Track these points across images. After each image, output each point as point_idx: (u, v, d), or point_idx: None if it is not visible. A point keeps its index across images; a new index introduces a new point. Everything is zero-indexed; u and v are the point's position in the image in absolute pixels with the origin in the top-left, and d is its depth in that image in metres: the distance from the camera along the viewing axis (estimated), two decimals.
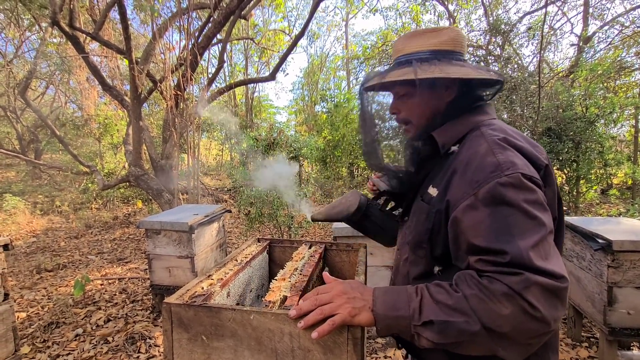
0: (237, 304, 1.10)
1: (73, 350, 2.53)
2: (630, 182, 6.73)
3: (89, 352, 2.49)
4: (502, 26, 6.53)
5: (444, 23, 9.05)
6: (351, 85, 14.07)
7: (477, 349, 0.66)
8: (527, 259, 0.62)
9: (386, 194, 1.14)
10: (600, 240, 2.05)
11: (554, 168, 5.11)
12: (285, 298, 0.88)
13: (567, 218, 2.49)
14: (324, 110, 10.15)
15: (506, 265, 0.63)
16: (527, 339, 0.63)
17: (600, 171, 5.64)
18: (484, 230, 0.67)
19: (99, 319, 2.98)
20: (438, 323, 0.65)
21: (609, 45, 7.62)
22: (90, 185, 8.52)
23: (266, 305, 0.85)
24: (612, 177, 7.04)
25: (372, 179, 1.17)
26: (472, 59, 7.67)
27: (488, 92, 0.89)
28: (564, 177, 5.25)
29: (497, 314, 0.62)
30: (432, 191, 0.82)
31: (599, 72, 5.63)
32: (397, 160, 1.04)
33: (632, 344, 2.35)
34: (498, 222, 0.66)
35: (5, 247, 2.07)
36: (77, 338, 2.70)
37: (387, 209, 1.18)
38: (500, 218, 0.66)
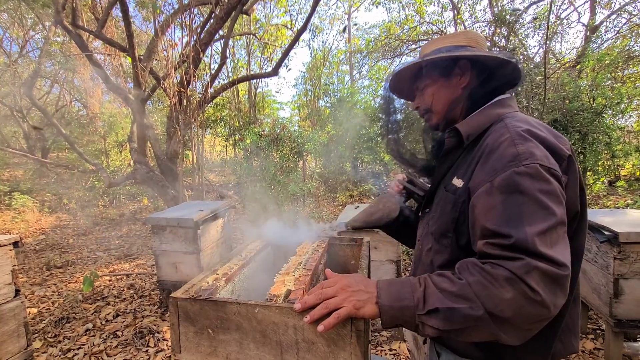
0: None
1: (84, 345, 2.58)
2: (638, 173, 6.64)
3: (99, 347, 2.54)
4: (507, 17, 6.44)
5: (448, 15, 8.94)
6: (354, 79, 13.99)
7: (480, 335, 0.67)
8: (531, 243, 0.64)
9: (419, 195, 1.11)
10: (606, 232, 2.03)
11: None
12: (289, 292, 0.89)
13: None
14: (328, 105, 10.12)
15: (510, 248, 0.65)
16: (527, 323, 0.64)
17: (608, 162, 5.58)
18: (496, 215, 0.69)
19: (108, 314, 3.03)
20: (443, 310, 0.66)
21: (617, 35, 7.48)
22: (96, 183, 8.61)
23: (270, 299, 0.86)
24: (619, 169, 6.96)
25: (400, 181, 1.16)
26: None
27: (506, 78, 0.90)
28: None
29: (500, 298, 0.63)
30: (457, 182, 0.84)
31: (606, 62, 5.54)
32: (422, 153, 1.07)
33: (638, 336, 2.34)
34: (510, 208, 0.68)
35: (15, 244, 2.10)
36: (87, 333, 2.75)
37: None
38: (513, 205, 0.68)
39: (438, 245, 0.88)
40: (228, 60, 11.23)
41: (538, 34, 7.34)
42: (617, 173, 7.01)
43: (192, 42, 4.95)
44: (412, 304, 0.69)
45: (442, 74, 0.90)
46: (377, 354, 2.38)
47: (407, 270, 3.80)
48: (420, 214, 1.06)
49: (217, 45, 8.68)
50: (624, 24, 7.51)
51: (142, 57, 5.17)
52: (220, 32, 6.00)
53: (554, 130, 0.80)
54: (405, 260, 4.02)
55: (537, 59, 7.11)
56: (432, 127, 0.98)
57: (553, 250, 0.64)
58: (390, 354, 2.39)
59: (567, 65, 7.07)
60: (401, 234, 1.19)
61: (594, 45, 7.04)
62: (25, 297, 3.38)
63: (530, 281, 0.62)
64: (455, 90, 0.91)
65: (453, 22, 8.62)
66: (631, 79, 7.55)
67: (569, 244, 0.68)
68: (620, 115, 5.45)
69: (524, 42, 7.36)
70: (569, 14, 8.38)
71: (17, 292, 2.11)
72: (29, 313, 3.06)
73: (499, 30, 7.17)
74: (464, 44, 0.91)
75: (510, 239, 0.65)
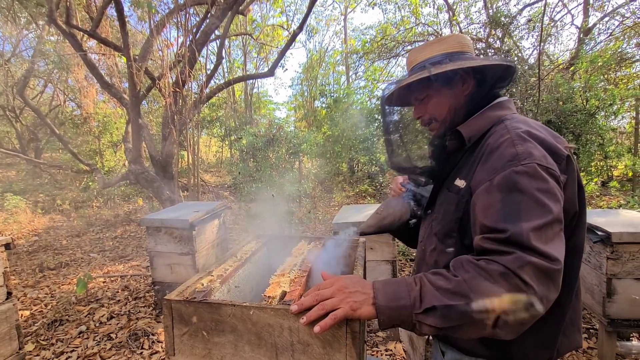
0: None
1: (77, 347, 2.55)
2: (630, 174, 6.72)
3: (92, 349, 2.51)
4: (502, 18, 6.49)
5: (443, 16, 8.99)
6: (350, 80, 14.01)
7: (476, 331, 0.68)
8: (525, 237, 0.65)
9: (423, 197, 1.13)
10: (599, 232, 2.06)
11: None
12: (284, 293, 0.89)
13: None
14: (324, 105, 10.12)
15: (504, 242, 0.67)
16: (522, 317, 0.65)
17: (601, 163, 5.64)
18: (494, 212, 0.71)
19: (102, 316, 3.00)
20: (440, 308, 0.67)
21: (610, 37, 7.56)
22: (90, 183, 8.53)
23: (265, 301, 0.85)
24: (612, 169, 7.04)
25: (402, 183, 1.17)
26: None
27: (504, 82, 0.93)
28: None
29: (494, 294, 0.64)
30: (460, 183, 0.86)
31: (599, 64, 5.60)
32: (425, 158, 1.08)
33: (631, 335, 2.36)
34: (508, 206, 0.70)
35: (7, 246, 2.08)
36: (81, 335, 2.72)
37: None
38: (511, 203, 0.70)
39: (442, 246, 0.89)
40: (224, 61, 11.19)
41: (532, 36, 7.40)
42: (609, 174, 7.09)
43: (188, 42, 4.93)
44: (409, 303, 0.69)
45: (445, 84, 0.90)
46: (372, 355, 2.38)
47: (403, 270, 3.80)
48: (422, 216, 1.07)
49: (213, 46, 8.63)
50: (617, 26, 7.60)
51: (137, 57, 5.13)
52: (216, 32, 5.97)
53: (553, 131, 0.83)
54: (400, 260, 4.02)
55: (532, 60, 7.17)
56: (438, 136, 0.99)
57: (547, 245, 0.65)
58: (386, 355, 2.39)
59: (561, 67, 7.14)
60: (411, 237, 1.19)
61: (587, 47, 7.12)
62: (18, 300, 3.33)
63: (524, 275, 0.63)
64: (459, 99, 0.92)
65: (448, 23, 8.67)
66: (623, 81, 7.64)
67: (564, 241, 0.70)
68: (612, 117, 5.51)
69: (518, 43, 7.42)
70: (563, 16, 8.45)
71: (9, 294, 2.08)
72: (21, 315, 3.02)
73: (494, 32, 7.22)
74: (458, 50, 0.92)
75: (506, 233, 0.67)
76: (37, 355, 2.47)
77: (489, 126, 0.86)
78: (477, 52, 7.31)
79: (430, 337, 0.99)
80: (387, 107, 1.10)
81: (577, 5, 8.20)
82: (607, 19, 7.68)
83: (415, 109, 0.99)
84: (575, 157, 4.70)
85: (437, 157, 1.00)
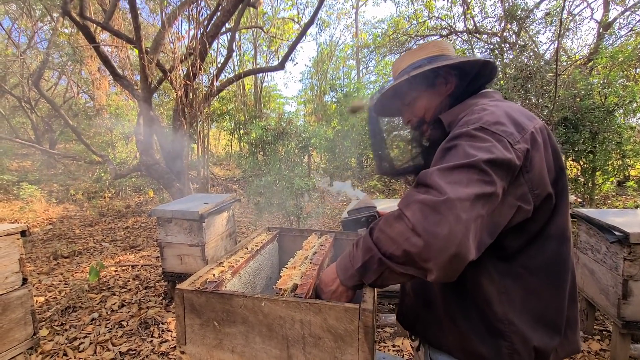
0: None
1: (89, 334, 2.61)
2: None
3: (104, 336, 2.57)
4: (519, 12, 6.32)
5: (457, 10, 8.80)
6: (361, 75, 13.89)
7: (400, 278, 0.69)
8: (429, 175, 0.65)
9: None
10: (616, 233, 2.00)
11: (569, 159, 4.99)
12: (296, 286, 0.88)
13: (582, 210, 2.43)
14: (334, 100, 10.06)
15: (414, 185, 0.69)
16: (419, 259, 0.61)
17: (618, 162, 5.48)
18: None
19: (114, 304, 3.06)
20: (362, 266, 0.72)
21: (631, 32, 7.31)
22: (103, 174, 8.68)
23: (277, 293, 0.85)
24: (629, 169, 6.84)
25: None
26: (485, 47, 7.46)
27: (485, 77, 0.94)
28: (580, 168, 5.11)
29: (387, 237, 0.66)
30: None
31: (619, 60, 5.42)
32: (413, 156, 1.09)
33: None
34: (438, 155, 0.72)
35: (23, 233, 2.12)
36: (93, 322, 2.79)
37: None
38: (442, 153, 0.71)
39: None
40: (234, 54, 11.19)
41: (549, 30, 7.20)
42: (626, 173, 6.89)
43: (199, 35, 4.93)
44: (353, 271, 0.75)
45: (428, 85, 0.92)
46: (380, 350, 2.38)
47: None
48: None
49: (224, 39, 8.65)
50: (638, 21, 7.33)
51: (149, 50, 5.16)
52: (227, 25, 5.96)
53: (531, 113, 0.81)
54: None
55: (548, 55, 6.99)
56: (429, 135, 1.01)
57: (445, 181, 0.62)
58: (393, 351, 2.39)
59: (579, 62, 6.94)
60: None
61: (607, 43, 6.89)
62: (33, 286, 3.42)
63: (407, 212, 0.63)
64: (444, 98, 0.93)
65: (462, 17, 8.48)
66: None
67: (486, 187, 0.61)
68: (632, 114, 5.34)
69: (534, 38, 7.22)
70: (582, 10, 8.19)
71: (25, 280, 2.13)
72: (36, 301, 3.10)
73: (510, 26, 7.04)
74: (437, 54, 0.94)
75: (419, 177, 0.68)
76: (51, 340, 2.53)
77: (466, 111, 0.84)
78: (491, 46, 7.15)
79: (420, 344, 0.96)
80: (374, 116, 1.10)
81: None
82: (628, 13, 7.42)
83: (404, 114, 1.01)
84: (592, 155, 4.46)
85: (422, 151, 1.02)
